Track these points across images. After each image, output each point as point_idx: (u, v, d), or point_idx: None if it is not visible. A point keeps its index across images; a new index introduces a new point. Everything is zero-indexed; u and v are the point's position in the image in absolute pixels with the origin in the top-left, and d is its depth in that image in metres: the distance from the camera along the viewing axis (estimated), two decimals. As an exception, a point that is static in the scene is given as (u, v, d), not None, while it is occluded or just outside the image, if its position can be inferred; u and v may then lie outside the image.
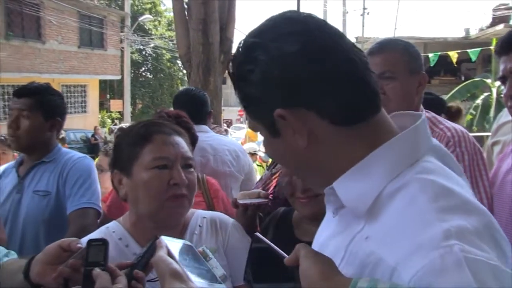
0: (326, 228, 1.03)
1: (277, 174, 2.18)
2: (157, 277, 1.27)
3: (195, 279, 1.01)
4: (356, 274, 0.81)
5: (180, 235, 1.49)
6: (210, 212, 1.68)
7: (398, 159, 0.84)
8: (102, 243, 1.14)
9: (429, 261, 0.69)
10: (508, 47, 1.76)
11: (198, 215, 1.60)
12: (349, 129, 0.86)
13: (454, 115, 3.78)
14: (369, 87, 0.87)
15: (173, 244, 1.10)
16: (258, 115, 0.92)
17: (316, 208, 1.57)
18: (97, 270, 1.10)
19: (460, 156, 1.83)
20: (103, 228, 1.56)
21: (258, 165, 7.28)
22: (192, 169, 1.50)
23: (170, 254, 1.06)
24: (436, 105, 3.89)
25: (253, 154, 7.08)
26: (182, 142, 1.51)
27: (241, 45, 0.92)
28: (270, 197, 1.97)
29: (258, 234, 1.00)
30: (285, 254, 0.90)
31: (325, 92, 0.84)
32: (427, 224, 0.74)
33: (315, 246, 1.03)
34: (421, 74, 1.93)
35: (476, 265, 0.68)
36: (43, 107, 2.37)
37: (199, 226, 1.56)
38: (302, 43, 0.85)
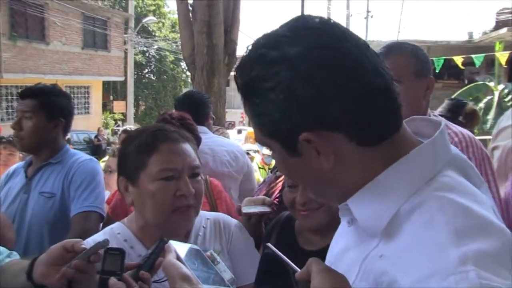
0: (341, 238, 1.01)
1: (282, 178, 2.18)
2: (163, 278, 1.28)
3: (204, 283, 1.02)
4: None
5: (185, 237, 1.50)
6: (213, 213, 1.69)
7: (415, 175, 0.81)
8: (119, 253, 1.14)
9: (445, 286, 0.68)
10: None
11: (202, 216, 1.60)
12: (375, 148, 0.82)
13: (469, 116, 3.76)
14: (396, 103, 0.84)
15: (181, 249, 1.10)
16: (274, 134, 0.83)
17: (316, 220, 1.56)
18: (113, 280, 1.10)
19: None
20: (107, 228, 1.56)
21: (260, 168, 7.25)
22: (199, 178, 1.48)
23: (179, 258, 1.06)
24: (454, 108, 3.91)
25: (246, 154, 6.94)
26: (189, 150, 1.48)
27: (254, 55, 0.83)
28: (276, 202, 1.97)
29: (269, 245, 1.00)
30: (296, 268, 0.89)
31: (356, 113, 0.78)
32: (444, 247, 0.71)
33: (330, 255, 1.03)
34: (429, 78, 1.91)
35: None
36: (46, 108, 2.37)
37: (203, 227, 1.57)
38: (332, 59, 0.78)
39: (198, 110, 3.08)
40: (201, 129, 2.96)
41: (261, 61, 0.81)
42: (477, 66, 13.47)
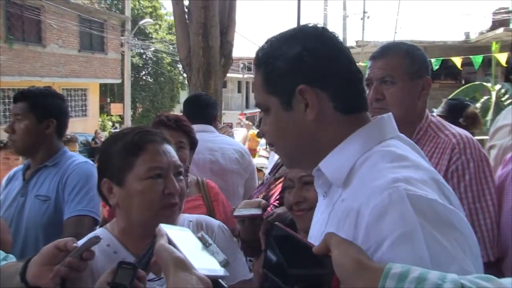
0: (318, 210, 1.22)
1: (281, 179, 2.17)
2: (156, 278, 1.27)
3: (197, 266, 1.00)
4: (335, 229, 0.96)
5: None
6: (195, 215, 1.70)
7: (367, 139, 1.06)
8: (131, 267, 1.15)
9: (381, 199, 0.91)
10: None
11: (185, 218, 1.62)
12: (345, 117, 1.08)
13: (469, 120, 3.64)
14: (364, 93, 1.16)
15: (172, 232, 1.09)
16: (279, 87, 1.09)
17: (309, 222, 1.56)
18: None
19: (465, 163, 1.78)
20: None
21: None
22: (181, 177, 1.51)
23: (170, 242, 1.05)
24: (455, 109, 3.78)
25: (259, 170, 6.92)
26: (172, 151, 1.51)
27: (279, 36, 1.13)
28: (275, 204, 1.97)
29: (278, 223, 1.01)
30: (311, 243, 0.92)
31: (342, 84, 1.08)
32: (382, 175, 0.95)
33: (311, 230, 1.23)
34: (425, 78, 1.89)
35: (416, 198, 0.89)
36: (36, 109, 2.37)
37: None
38: (332, 48, 1.10)
39: (206, 111, 3.24)
40: (209, 128, 3.20)
41: (283, 38, 1.12)
42: (476, 68, 13.45)
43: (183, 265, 0.99)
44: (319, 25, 1.14)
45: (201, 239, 1.16)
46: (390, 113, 1.14)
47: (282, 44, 1.11)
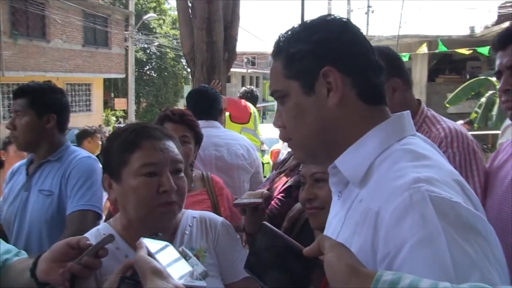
0: (332, 210, 1.19)
1: (284, 172, 2.18)
2: None
3: (176, 276, 1.04)
4: (351, 232, 0.97)
5: (171, 235, 1.50)
6: (199, 211, 1.69)
7: (386, 136, 1.03)
8: (134, 282, 1.15)
9: (402, 199, 0.87)
10: (504, 42, 1.76)
11: (188, 215, 1.61)
12: (366, 107, 1.05)
13: None
14: (384, 87, 1.10)
15: (152, 245, 1.13)
16: (302, 69, 1.05)
17: (321, 220, 1.56)
18: None
19: (451, 156, 1.84)
20: (93, 230, 1.55)
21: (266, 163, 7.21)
22: (181, 174, 1.49)
23: (150, 254, 1.09)
24: None
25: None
26: (172, 146, 1.48)
27: (304, 23, 1.11)
28: (279, 197, 1.98)
29: (266, 223, 1.01)
30: (299, 244, 0.92)
31: (365, 71, 1.05)
32: (402, 175, 0.92)
33: (326, 231, 1.19)
34: (392, 79, 1.91)
35: (439, 200, 0.85)
36: (35, 105, 2.37)
37: (189, 226, 1.58)
38: (358, 35, 1.08)
39: (212, 105, 3.19)
40: (215, 123, 3.17)
41: (305, 25, 1.10)
42: (487, 55, 13.34)
43: (160, 273, 1.03)
44: (342, 17, 1.12)
45: (181, 252, 1.19)
46: (409, 111, 1.10)
47: (305, 29, 1.08)
